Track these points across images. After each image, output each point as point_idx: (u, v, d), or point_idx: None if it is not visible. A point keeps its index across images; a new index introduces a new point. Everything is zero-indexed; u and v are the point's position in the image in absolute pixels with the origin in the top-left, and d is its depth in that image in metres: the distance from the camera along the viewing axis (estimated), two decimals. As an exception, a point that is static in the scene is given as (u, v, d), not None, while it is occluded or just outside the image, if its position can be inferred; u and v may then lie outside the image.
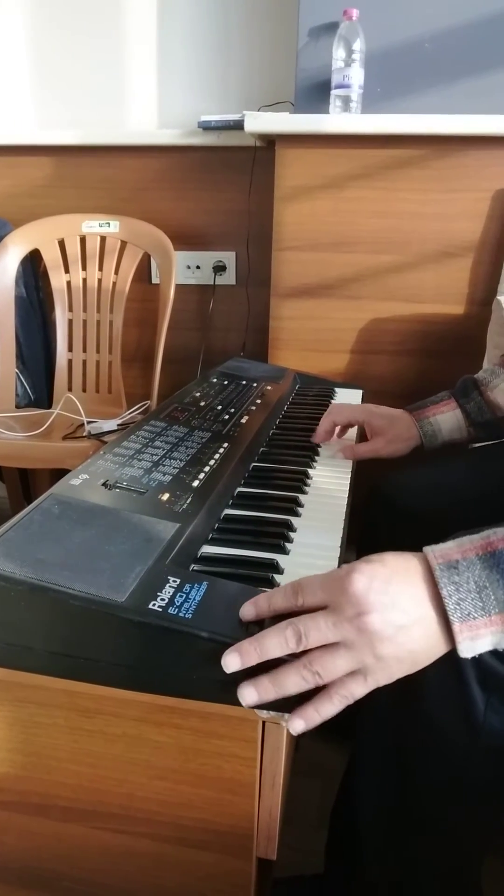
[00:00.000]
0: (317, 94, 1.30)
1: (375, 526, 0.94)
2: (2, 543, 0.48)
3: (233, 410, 0.91)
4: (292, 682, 0.43)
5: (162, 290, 1.48)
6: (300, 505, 0.68)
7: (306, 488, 0.73)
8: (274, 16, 1.46)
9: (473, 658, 0.50)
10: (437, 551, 0.46)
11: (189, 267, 1.62)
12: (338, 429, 0.90)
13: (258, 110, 1.40)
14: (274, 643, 0.43)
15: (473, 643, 0.43)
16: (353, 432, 0.92)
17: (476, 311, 1.33)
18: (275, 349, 1.42)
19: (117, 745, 0.51)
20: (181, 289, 1.57)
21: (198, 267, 1.62)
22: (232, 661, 0.42)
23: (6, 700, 0.51)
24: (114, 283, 1.54)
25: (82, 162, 1.58)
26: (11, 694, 0.51)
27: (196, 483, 0.65)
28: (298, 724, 0.44)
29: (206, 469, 0.69)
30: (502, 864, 0.80)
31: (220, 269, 1.61)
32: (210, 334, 1.66)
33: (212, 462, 0.71)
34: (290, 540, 0.60)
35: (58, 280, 1.54)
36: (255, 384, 1.09)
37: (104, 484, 0.61)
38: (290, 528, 0.62)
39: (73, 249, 1.54)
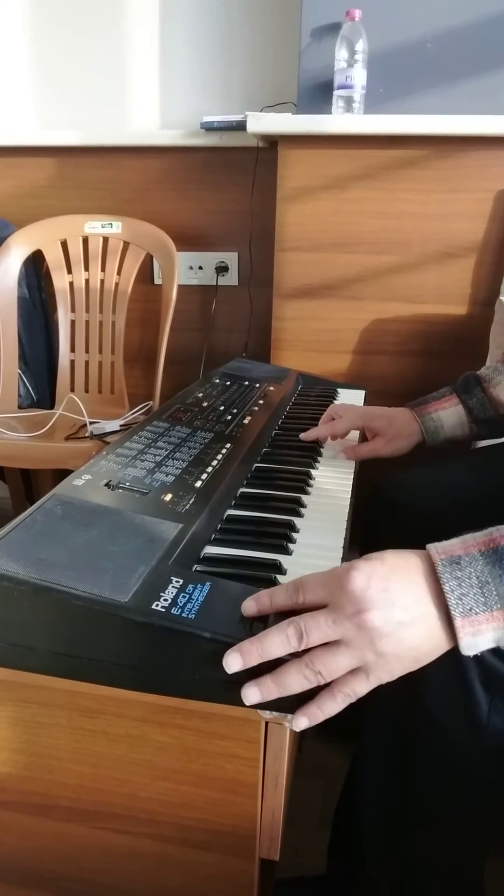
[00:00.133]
0: (319, 94, 1.30)
1: (377, 526, 0.93)
2: (5, 544, 0.48)
3: (235, 411, 0.91)
4: (294, 680, 0.43)
5: (164, 291, 1.48)
6: (303, 505, 0.68)
7: (309, 489, 0.73)
8: (276, 16, 1.46)
9: (476, 659, 0.50)
10: (440, 547, 0.46)
11: (191, 267, 1.62)
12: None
13: (261, 111, 1.40)
14: (275, 642, 0.43)
15: (475, 639, 0.43)
16: (354, 433, 0.92)
17: (478, 311, 1.33)
18: (277, 350, 1.42)
19: (120, 745, 0.51)
20: (183, 289, 1.57)
21: (200, 267, 1.62)
22: (233, 662, 0.42)
23: (9, 700, 0.52)
24: (116, 284, 1.54)
25: (84, 162, 1.58)
26: (14, 694, 0.51)
27: (199, 483, 0.65)
28: (302, 721, 0.44)
29: (209, 469, 0.69)
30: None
31: (222, 269, 1.61)
32: (212, 335, 1.66)
33: (214, 462, 0.71)
34: (292, 540, 0.60)
35: (60, 281, 1.55)
36: (257, 385, 1.09)
37: (107, 484, 0.61)
38: (293, 528, 0.62)
39: (76, 250, 1.54)
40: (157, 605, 0.44)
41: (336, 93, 1.25)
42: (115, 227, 1.53)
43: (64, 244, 1.54)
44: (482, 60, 1.24)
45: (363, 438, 0.93)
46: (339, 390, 1.21)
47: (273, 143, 1.36)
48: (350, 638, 0.43)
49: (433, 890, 0.65)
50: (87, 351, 1.58)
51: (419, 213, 1.29)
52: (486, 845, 0.66)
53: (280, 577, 0.53)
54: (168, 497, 0.60)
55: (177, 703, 0.47)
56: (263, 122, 1.26)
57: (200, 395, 0.98)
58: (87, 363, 1.58)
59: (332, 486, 0.75)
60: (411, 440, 0.89)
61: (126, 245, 1.53)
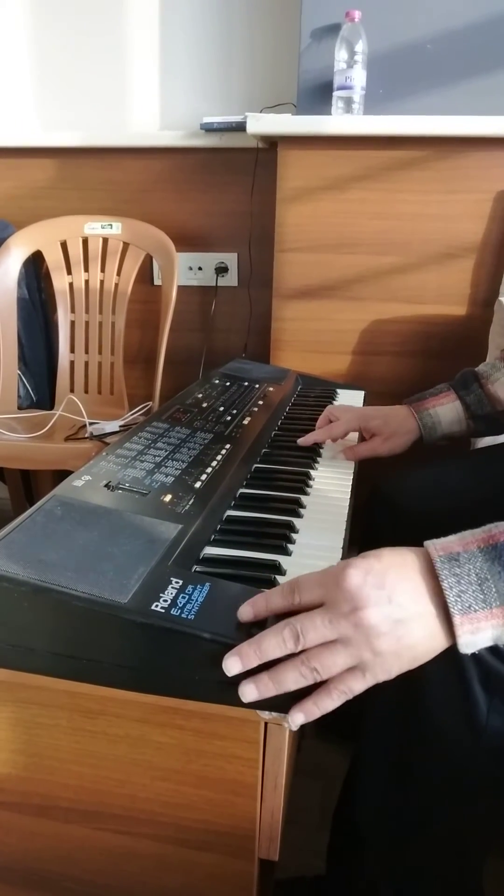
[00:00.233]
0: (319, 95, 1.30)
1: (377, 527, 0.93)
2: (5, 545, 0.49)
3: (235, 412, 0.91)
4: (291, 678, 0.43)
5: (164, 292, 1.48)
6: (302, 506, 0.68)
7: (308, 489, 0.73)
8: (276, 17, 1.46)
9: (475, 659, 0.50)
10: (439, 544, 0.46)
11: (191, 268, 1.62)
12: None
13: (260, 112, 1.40)
14: (272, 644, 0.43)
15: (474, 637, 0.43)
16: (353, 434, 0.92)
17: (478, 312, 1.33)
18: (277, 350, 1.42)
19: (119, 746, 0.51)
20: (183, 290, 1.57)
21: (200, 268, 1.62)
22: (233, 665, 0.42)
23: (9, 701, 0.52)
24: (116, 285, 1.54)
25: (84, 163, 1.58)
26: (14, 695, 0.51)
27: (198, 484, 0.65)
28: (298, 717, 0.44)
29: (209, 470, 0.69)
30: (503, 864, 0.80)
31: (222, 270, 1.61)
32: (212, 335, 1.67)
33: (214, 463, 0.71)
34: (292, 541, 0.60)
35: (60, 281, 1.55)
36: (257, 385, 1.09)
37: (107, 485, 0.61)
38: (293, 529, 0.62)
39: (76, 251, 1.54)
40: (156, 606, 0.44)
41: (336, 94, 1.25)
42: (114, 228, 1.53)
43: (64, 245, 1.54)
44: (481, 61, 1.25)
45: (361, 439, 0.93)
46: (339, 391, 1.21)
47: (273, 143, 1.36)
48: (347, 636, 0.43)
49: (432, 890, 0.65)
50: (86, 352, 1.58)
51: (419, 214, 1.29)
52: (485, 845, 0.66)
53: (279, 578, 0.53)
54: (168, 498, 0.60)
55: (176, 704, 0.47)
56: (263, 123, 1.26)
57: (200, 395, 0.98)
58: (86, 364, 1.58)
59: (331, 486, 0.75)
60: (409, 437, 0.89)
61: (126, 246, 1.53)
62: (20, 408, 1.55)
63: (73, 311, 1.56)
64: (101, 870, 0.58)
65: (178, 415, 0.87)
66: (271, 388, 1.08)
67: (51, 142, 1.56)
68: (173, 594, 0.46)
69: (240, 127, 1.39)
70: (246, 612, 0.45)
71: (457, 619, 0.43)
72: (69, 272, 1.55)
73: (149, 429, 0.79)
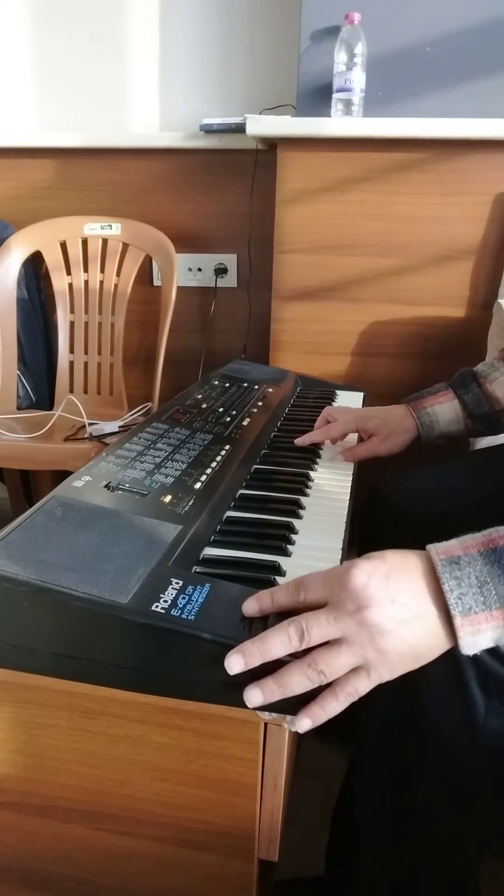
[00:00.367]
0: (318, 97, 1.31)
1: (376, 528, 0.94)
2: (5, 545, 0.49)
3: (234, 413, 0.92)
4: (297, 681, 0.43)
5: (163, 293, 1.48)
6: (302, 507, 0.68)
7: (308, 490, 0.73)
8: (276, 19, 1.46)
9: (474, 660, 0.50)
10: (440, 548, 0.46)
11: (190, 269, 1.62)
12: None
13: (260, 113, 1.41)
14: (276, 641, 0.43)
15: (475, 638, 0.43)
16: (352, 435, 0.92)
17: (477, 314, 1.33)
18: (276, 351, 1.42)
19: (119, 746, 0.51)
20: (182, 291, 1.58)
21: (199, 269, 1.62)
22: (235, 663, 0.42)
23: (9, 701, 0.52)
24: (115, 285, 1.54)
25: (84, 164, 1.58)
26: (14, 695, 0.51)
27: (198, 485, 0.65)
28: (305, 722, 0.44)
29: (208, 471, 0.69)
30: (502, 864, 0.80)
31: (221, 271, 1.61)
32: (211, 336, 1.67)
33: (213, 464, 0.71)
34: (291, 542, 0.60)
35: (59, 282, 1.55)
36: (256, 386, 1.09)
37: (107, 486, 0.61)
38: (292, 530, 0.62)
39: (75, 251, 1.54)
40: (156, 607, 0.44)
41: (335, 96, 1.25)
42: (114, 229, 1.53)
43: (63, 245, 1.54)
44: (481, 64, 1.25)
45: (360, 440, 0.93)
46: (338, 392, 1.21)
47: (272, 145, 1.36)
48: (351, 636, 0.43)
49: (431, 890, 0.65)
50: (86, 352, 1.58)
51: (418, 216, 1.29)
52: (483, 846, 0.66)
53: (279, 579, 0.53)
54: (167, 498, 0.60)
55: (176, 705, 0.47)
56: (263, 125, 1.27)
57: (199, 396, 0.98)
58: (86, 364, 1.58)
59: (330, 487, 0.75)
60: (407, 436, 0.89)
61: (125, 246, 1.53)
62: (19, 408, 1.55)
63: (72, 311, 1.57)
64: (101, 870, 0.58)
65: (178, 415, 0.87)
66: (270, 389, 1.09)
67: (50, 142, 1.56)
68: (173, 595, 0.46)
69: (239, 128, 1.39)
70: (251, 606, 0.46)
71: (458, 621, 0.43)
72: (69, 273, 1.55)
73: (148, 429, 0.79)
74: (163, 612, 0.44)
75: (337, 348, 1.40)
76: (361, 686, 0.44)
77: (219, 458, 0.73)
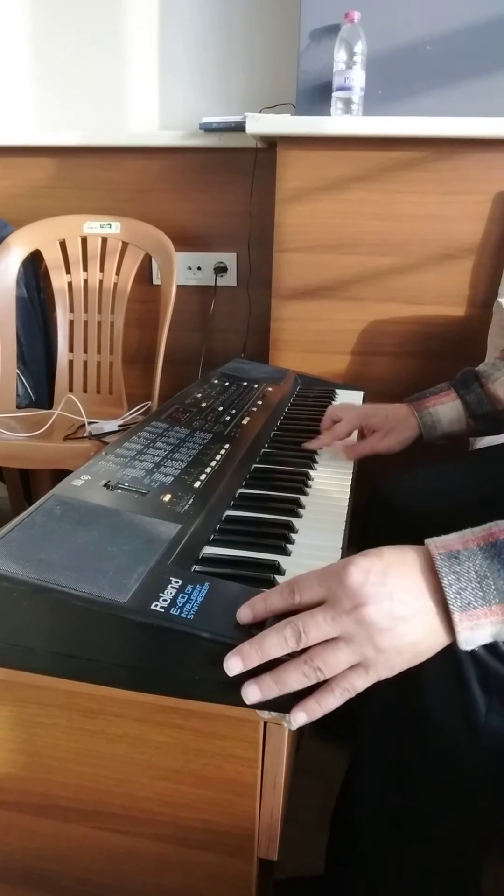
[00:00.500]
0: (318, 96, 1.30)
1: (375, 527, 0.94)
2: (4, 544, 0.49)
3: (234, 412, 0.92)
4: (294, 678, 0.43)
5: (163, 291, 1.48)
6: (301, 506, 0.68)
7: (307, 489, 0.73)
8: (276, 18, 1.46)
9: (474, 659, 0.50)
10: (439, 542, 0.46)
11: (190, 268, 1.62)
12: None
13: (259, 112, 1.40)
14: (274, 643, 0.43)
15: (473, 633, 0.43)
16: (354, 434, 0.92)
17: (477, 313, 1.33)
18: (276, 350, 1.42)
19: (119, 745, 0.51)
20: (182, 290, 1.57)
21: (199, 268, 1.62)
22: (234, 665, 0.42)
23: (8, 700, 0.52)
24: (115, 284, 1.54)
25: (83, 163, 1.58)
26: (13, 694, 0.51)
27: (197, 484, 0.65)
28: (300, 716, 0.44)
29: (208, 470, 0.69)
30: (502, 864, 0.80)
31: (221, 270, 1.61)
32: (211, 335, 1.67)
33: (213, 463, 0.71)
34: (291, 541, 0.60)
35: (59, 281, 1.55)
36: (256, 385, 1.09)
37: (106, 485, 0.61)
38: (292, 529, 0.62)
39: (75, 250, 1.54)
40: (155, 606, 0.44)
41: (335, 94, 1.25)
42: (113, 228, 1.53)
43: (63, 244, 1.54)
44: (481, 62, 1.25)
45: (361, 436, 0.93)
46: (338, 391, 1.21)
47: (272, 144, 1.36)
48: (349, 633, 0.43)
49: (431, 890, 0.65)
50: (85, 351, 1.58)
51: (418, 215, 1.29)
52: (483, 845, 0.66)
53: (279, 578, 0.53)
54: (167, 497, 0.60)
55: (175, 703, 0.47)
56: (262, 124, 1.27)
57: (199, 395, 0.98)
58: (85, 363, 1.58)
59: (330, 486, 0.75)
60: (408, 434, 0.89)
61: (125, 245, 1.53)
62: (19, 407, 1.55)
63: (71, 310, 1.56)
64: (101, 869, 0.58)
65: (178, 414, 0.87)
66: (270, 388, 1.08)
67: (50, 141, 1.56)
68: (173, 594, 0.46)
69: (239, 127, 1.39)
70: (245, 614, 0.45)
71: (456, 616, 0.43)
72: (68, 271, 1.55)
73: (148, 428, 0.79)
74: (162, 611, 0.44)
75: (337, 347, 1.40)
76: (359, 683, 0.44)
77: (218, 457, 0.73)
